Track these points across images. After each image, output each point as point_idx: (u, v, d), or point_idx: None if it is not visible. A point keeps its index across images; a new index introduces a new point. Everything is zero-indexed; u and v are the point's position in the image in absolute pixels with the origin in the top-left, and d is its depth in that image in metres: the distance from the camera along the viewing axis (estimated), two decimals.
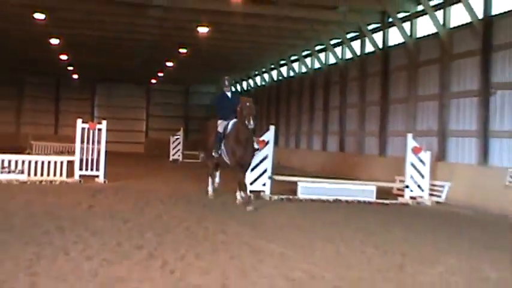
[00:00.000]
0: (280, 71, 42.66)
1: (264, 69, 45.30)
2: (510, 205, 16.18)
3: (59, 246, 8.84)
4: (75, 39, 34.92)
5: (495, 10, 19.53)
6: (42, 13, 27.33)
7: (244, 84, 51.88)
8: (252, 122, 14.45)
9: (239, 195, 15.44)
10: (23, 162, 19.35)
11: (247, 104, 14.67)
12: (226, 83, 16.82)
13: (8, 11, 28.54)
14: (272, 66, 43.50)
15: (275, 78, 43.85)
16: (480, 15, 19.88)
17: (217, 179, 17.51)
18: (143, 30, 32.08)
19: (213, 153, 16.01)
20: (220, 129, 15.85)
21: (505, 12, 19.08)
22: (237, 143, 15.02)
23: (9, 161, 19.23)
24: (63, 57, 41.98)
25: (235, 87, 51.94)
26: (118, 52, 39.90)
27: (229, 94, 16.65)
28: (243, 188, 15.20)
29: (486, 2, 19.69)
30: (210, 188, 16.95)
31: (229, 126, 15.48)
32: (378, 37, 27.40)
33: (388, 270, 8.33)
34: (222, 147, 15.64)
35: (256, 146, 15.84)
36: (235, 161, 15.18)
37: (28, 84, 56.52)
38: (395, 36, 26.09)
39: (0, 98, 54.97)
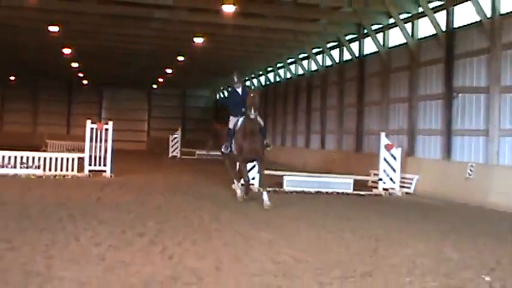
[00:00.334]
0: (267, 77, 42.63)
1: (253, 75, 45.22)
2: (470, 195, 16.25)
3: (71, 233, 8.83)
4: (85, 49, 34.79)
5: (457, 23, 19.61)
6: (56, 26, 27.27)
7: None
8: (252, 111, 13.01)
9: (265, 195, 13.22)
10: (39, 158, 19.34)
11: (251, 94, 13.40)
12: (235, 78, 14.63)
13: (27, 24, 28.56)
14: (260, 72, 43.44)
15: (263, 83, 43.81)
16: (444, 28, 19.96)
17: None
18: (145, 40, 31.98)
19: (223, 149, 14.46)
20: (230, 125, 14.22)
21: (465, 25, 19.16)
22: (244, 137, 13.58)
23: (27, 158, 19.23)
24: (75, 64, 41.80)
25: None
26: (123, 60, 39.79)
27: (239, 90, 14.51)
28: (262, 183, 13.63)
29: (449, 16, 19.78)
30: (238, 190, 14.63)
31: (239, 122, 13.87)
32: (355, 46, 27.42)
33: (364, 254, 8.35)
34: (233, 143, 14.09)
35: (265, 143, 14.02)
36: (243, 155, 13.76)
37: (43, 89, 56.25)
38: (370, 46, 26.11)
39: (18, 101, 54.91)
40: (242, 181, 14.33)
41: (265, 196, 13.18)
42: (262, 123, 14.06)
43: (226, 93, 15.70)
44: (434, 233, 10.70)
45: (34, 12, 25.40)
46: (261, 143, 13.72)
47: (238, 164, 14.93)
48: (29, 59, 40.90)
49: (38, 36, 31.30)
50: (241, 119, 13.80)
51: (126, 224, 9.89)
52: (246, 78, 45.69)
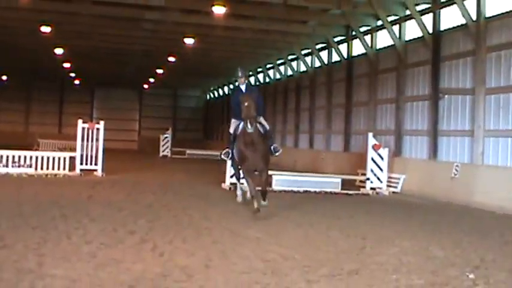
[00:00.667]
0: (257, 77, 42.62)
1: None
2: (455, 194, 16.34)
3: (63, 231, 8.81)
4: (77, 49, 34.63)
5: (443, 26, 19.70)
6: (48, 26, 27.14)
7: (226, 88, 51.74)
8: (249, 126, 11.12)
9: (263, 203, 11.62)
10: (31, 157, 19.27)
11: (245, 103, 11.26)
12: (240, 73, 12.73)
13: (19, 25, 28.39)
14: (250, 73, 43.39)
15: (252, 84, 43.74)
16: (430, 30, 20.05)
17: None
18: (137, 41, 31.90)
19: (223, 156, 12.87)
20: (231, 130, 12.57)
21: (451, 28, 19.25)
22: (246, 145, 11.68)
23: (19, 157, 19.16)
24: (66, 65, 41.59)
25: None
26: (114, 60, 39.66)
27: (243, 87, 12.61)
28: (263, 195, 11.74)
29: (435, 19, 19.87)
30: (238, 193, 13.83)
31: (240, 127, 11.95)
32: (343, 48, 27.47)
33: (351, 252, 8.38)
34: (234, 149, 12.34)
35: (273, 148, 12.42)
36: (246, 165, 11.94)
37: (36, 89, 55.89)
38: (358, 48, 26.18)
39: (11, 100, 54.59)
40: (247, 190, 12.93)
41: (263, 203, 11.62)
42: (267, 126, 12.41)
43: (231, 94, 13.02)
44: (420, 231, 10.76)
45: (26, 12, 25.26)
46: (264, 152, 11.88)
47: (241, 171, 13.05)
48: (21, 60, 40.70)
49: (30, 37, 31.14)
50: (241, 124, 11.79)
51: (117, 222, 9.88)
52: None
